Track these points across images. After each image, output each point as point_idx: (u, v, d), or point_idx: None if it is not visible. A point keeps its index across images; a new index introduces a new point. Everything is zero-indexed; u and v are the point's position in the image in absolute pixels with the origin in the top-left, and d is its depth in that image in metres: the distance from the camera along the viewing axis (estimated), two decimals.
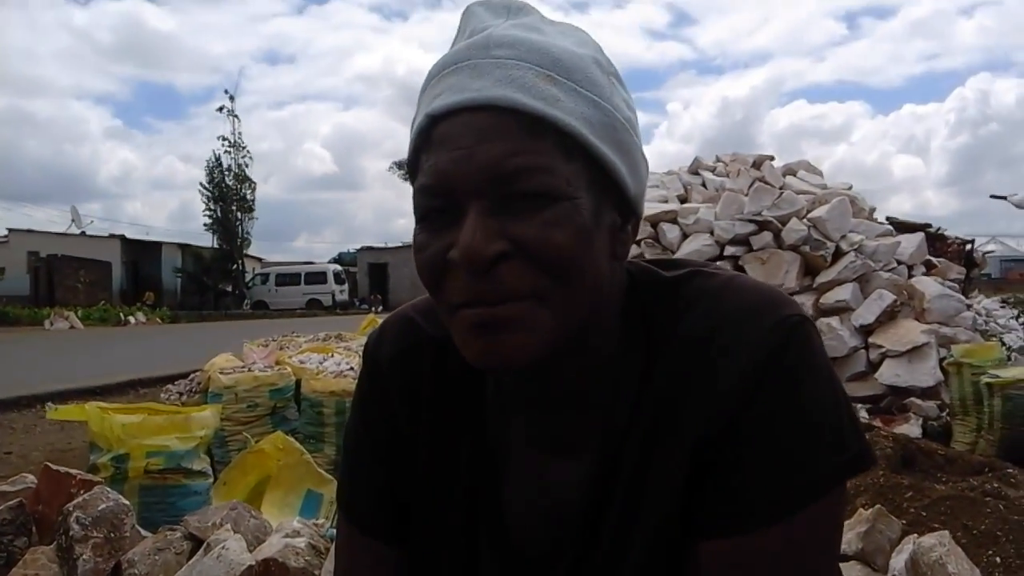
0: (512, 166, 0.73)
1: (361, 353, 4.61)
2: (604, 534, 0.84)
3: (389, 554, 0.98)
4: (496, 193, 0.73)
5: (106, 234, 41.10)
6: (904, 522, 2.80)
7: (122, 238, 39.57)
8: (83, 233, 40.89)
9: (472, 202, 0.74)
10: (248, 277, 41.78)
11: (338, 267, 43.62)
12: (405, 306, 1.06)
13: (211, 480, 3.37)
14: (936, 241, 9.02)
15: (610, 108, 0.78)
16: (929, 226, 9.14)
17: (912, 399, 6.05)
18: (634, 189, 0.81)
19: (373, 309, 32.71)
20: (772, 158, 9.00)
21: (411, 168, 0.81)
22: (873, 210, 8.49)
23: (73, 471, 2.77)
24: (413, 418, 0.96)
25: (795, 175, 8.74)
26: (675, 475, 0.79)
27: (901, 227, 8.39)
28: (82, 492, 2.59)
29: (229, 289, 39.85)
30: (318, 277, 40.76)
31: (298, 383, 4.82)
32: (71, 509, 2.46)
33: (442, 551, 0.94)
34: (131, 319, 26.63)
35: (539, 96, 0.74)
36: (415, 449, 0.96)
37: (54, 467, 2.77)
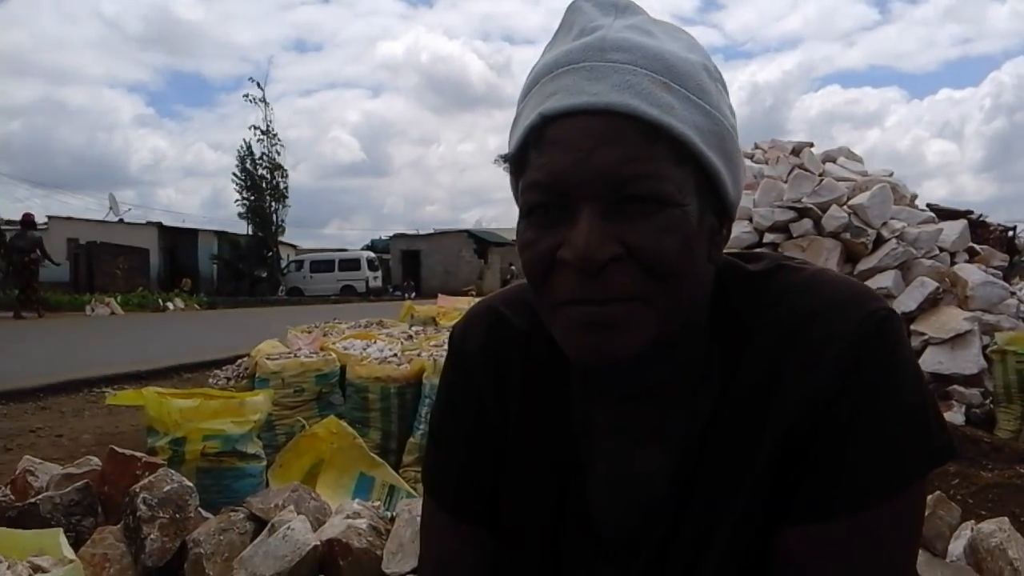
0: (628, 172, 0.75)
1: (404, 340, 4.65)
2: (688, 521, 0.86)
3: (477, 535, 1.01)
4: (610, 197, 0.76)
5: (143, 221, 41.46)
6: None
7: (159, 225, 39.86)
8: (121, 220, 41.28)
9: (586, 204, 0.76)
10: (283, 264, 42.03)
11: (371, 254, 43.78)
12: (489, 297, 1.09)
13: (264, 463, 3.44)
14: (978, 228, 8.89)
15: (719, 116, 0.81)
16: (971, 213, 9.00)
17: (955, 387, 5.99)
18: (733, 195, 0.84)
19: (406, 296, 32.85)
20: (811, 145, 8.89)
21: (517, 163, 0.83)
22: (915, 197, 8.38)
23: (138, 454, 2.84)
24: (500, 407, 1.00)
25: (835, 162, 8.63)
26: (762, 464, 0.82)
27: (943, 214, 8.28)
28: (147, 474, 2.66)
29: (264, 276, 40.11)
30: (352, 264, 40.94)
31: (343, 369, 4.88)
32: (138, 490, 2.54)
33: (528, 534, 0.97)
34: (169, 305, 26.89)
35: (656, 103, 0.75)
36: (503, 436, 0.99)
37: (119, 450, 2.84)
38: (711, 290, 0.88)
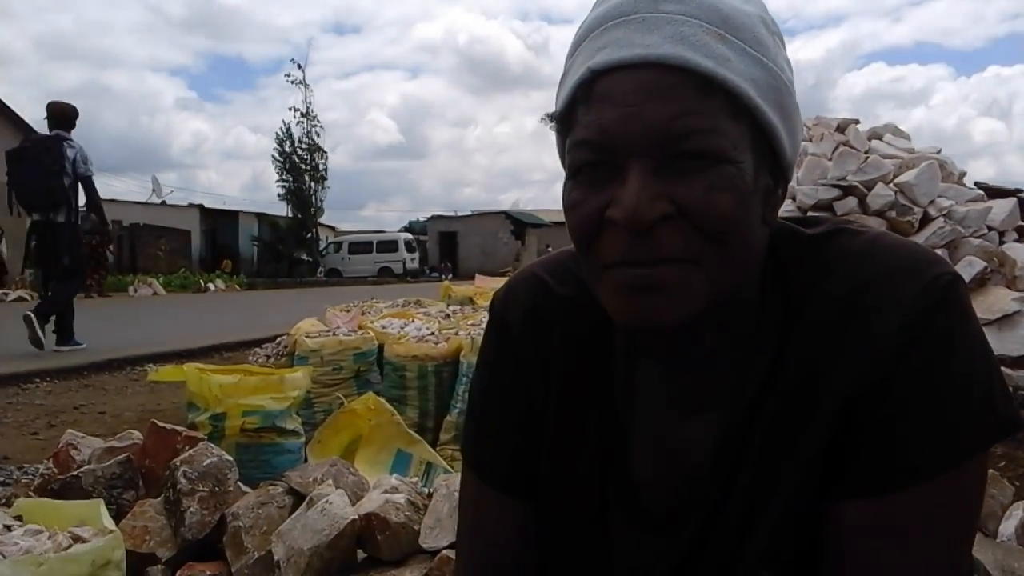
0: (680, 127, 0.72)
1: (442, 319, 4.63)
2: (736, 495, 0.83)
3: (516, 507, 0.99)
4: (661, 153, 0.73)
5: (185, 203, 42.04)
6: None
7: (201, 207, 40.43)
8: (163, 202, 41.87)
9: (635, 161, 0.73)
10: (322, 245, 42.42)
11: (409, 236, 44.10)
12: (531, 264, 1.07)
13: (303, 439, 3.45)
14: None
15: (776, 69, 0.77)
16: (1021, 191, 8.79)
17: (1002, 369, 5.88)
18: (790, 153, 0.80)
19: (443, 277, 33.01)
20: (857, 122, 8.71)
21: (564, 121, 0.80)
22: (963, 175, 8.19)
23: (179, 428, 2.86)
24: (542, 376, 0.97)
25: (881, 139, 8.47)
26: (815, 437, 0.78)
27: (992, 192, 8.09)
28: (187, 448, 2.68)
29: (304, 257, 40.51)
30: (390, 245, 41.25)
31: (381, 347, 4.88)
32: (178, 464, 2.55)
33: (571, 508, 0.94)
34: (210, 286, 27.31)
35: (710, 55, 0.72)
36: (545, 407, 0.97)
37: (160, 424, 2.86)
38: (765, 255, 0.84)
